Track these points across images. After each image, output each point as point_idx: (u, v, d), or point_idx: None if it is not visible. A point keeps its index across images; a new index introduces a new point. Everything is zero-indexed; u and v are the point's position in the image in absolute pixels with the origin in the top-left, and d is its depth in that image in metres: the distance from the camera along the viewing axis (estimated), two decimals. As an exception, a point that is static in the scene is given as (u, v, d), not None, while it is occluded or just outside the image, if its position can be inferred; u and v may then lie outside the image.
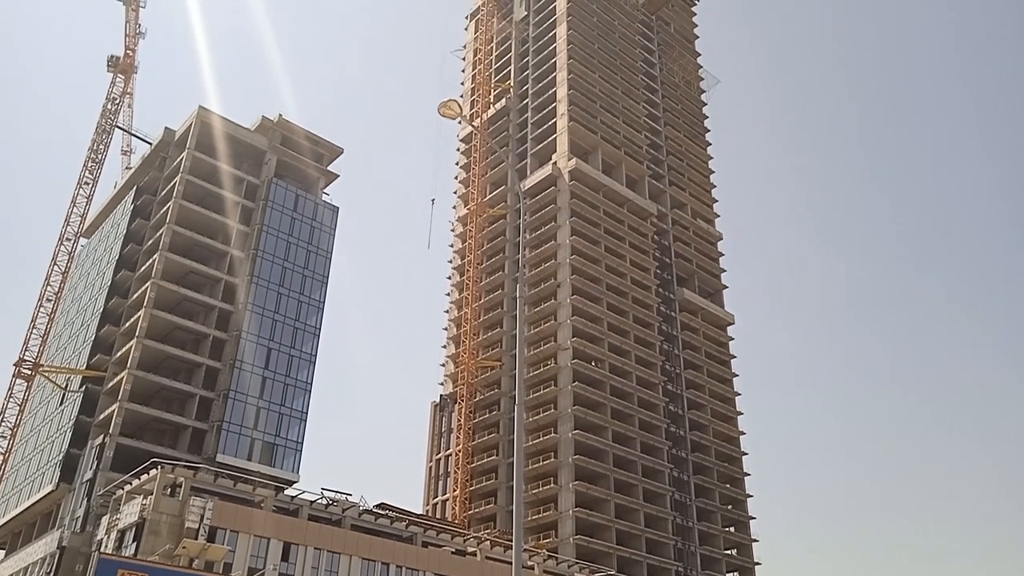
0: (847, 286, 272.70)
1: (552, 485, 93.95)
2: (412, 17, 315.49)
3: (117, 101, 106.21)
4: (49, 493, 75.86)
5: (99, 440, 73.53)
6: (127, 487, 63.43)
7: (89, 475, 71.70)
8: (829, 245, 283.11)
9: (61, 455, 76.54)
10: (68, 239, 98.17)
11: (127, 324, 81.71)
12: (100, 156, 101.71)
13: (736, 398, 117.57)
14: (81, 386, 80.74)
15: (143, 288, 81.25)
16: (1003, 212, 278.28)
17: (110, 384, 78.29)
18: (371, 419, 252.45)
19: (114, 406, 74.34)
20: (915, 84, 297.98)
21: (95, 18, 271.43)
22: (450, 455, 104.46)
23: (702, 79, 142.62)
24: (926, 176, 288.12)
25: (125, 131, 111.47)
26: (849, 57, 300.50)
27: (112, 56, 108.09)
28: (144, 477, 61.81)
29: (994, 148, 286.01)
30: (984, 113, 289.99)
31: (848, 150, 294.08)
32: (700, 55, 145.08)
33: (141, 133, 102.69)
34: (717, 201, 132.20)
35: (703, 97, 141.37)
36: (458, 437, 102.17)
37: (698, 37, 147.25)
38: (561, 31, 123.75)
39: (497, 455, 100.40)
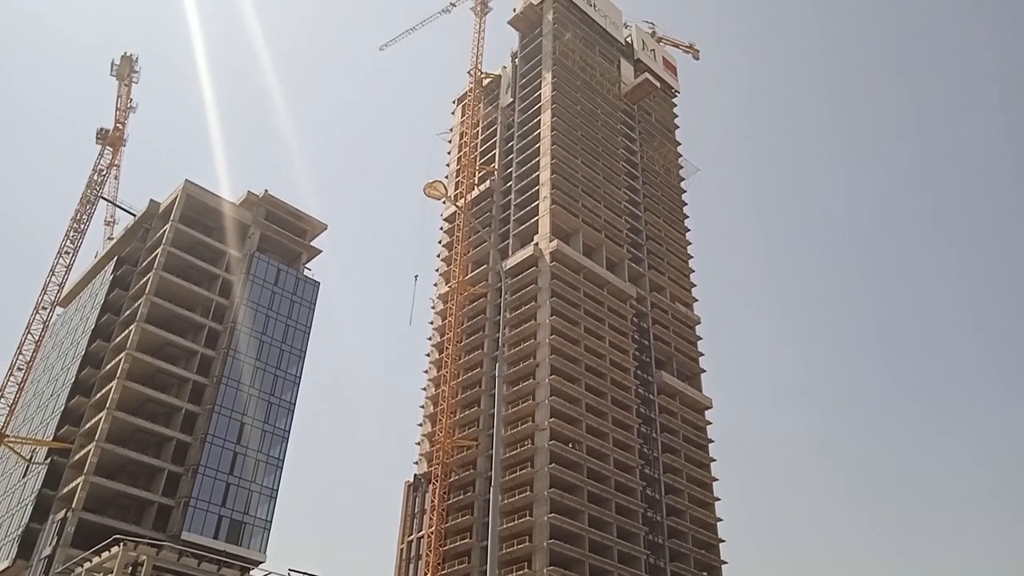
0: (825, 372, 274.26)
1: (526, 570, 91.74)
2: (402, 100, 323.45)
3: (104, 172, 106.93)
4: (5, 570, 73.28)
5: (61, 514, 71.54)
6: (87, 564, 61.54)
7: (48, 551, 69.50)
8: (806, 330, 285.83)
9: (20, 529, 74.28)
10: (44, 308, 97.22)
11: (98, 395, 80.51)
12: (83, 226, 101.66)
13: (714, 483, 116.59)
14: (46, 458, 78.97)
15: (117, 359, 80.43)
16: (985, 303, 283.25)
17: (76, 456, 76.61)
18: (343, 498, 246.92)
19: (79, 479, 72.62)
20: (894, 169, 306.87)
21: (88, 91, 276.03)
22: (422, 537, 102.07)
23: (682, 167, 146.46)
24: (905, 260, 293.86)
25: (110, 202, 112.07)
26: (824, 148, 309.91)
27: (101, 129, 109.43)
28: (105, 554, 60.08)
29: (979, 233, 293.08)
30: (968, 199, 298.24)
31: (825, 238, 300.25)
32: (680, 144, 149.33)
33: (126, 204, 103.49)
34: (696, 286, 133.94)
35: (683, 184, 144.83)
36: (431, 518, 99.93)
37: (678, 127, 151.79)
38: (546, 118, 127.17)
39: (471, 538, 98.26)
